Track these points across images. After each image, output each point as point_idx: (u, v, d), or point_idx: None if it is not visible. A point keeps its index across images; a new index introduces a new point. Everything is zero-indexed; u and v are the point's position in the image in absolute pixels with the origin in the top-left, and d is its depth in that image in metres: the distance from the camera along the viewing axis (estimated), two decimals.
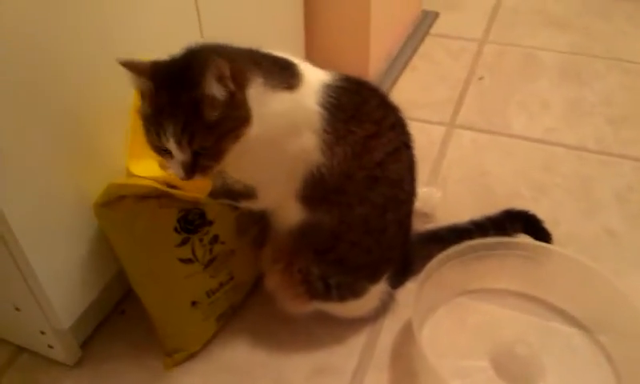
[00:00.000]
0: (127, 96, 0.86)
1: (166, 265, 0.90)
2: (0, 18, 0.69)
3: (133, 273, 0.93)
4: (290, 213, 0.88)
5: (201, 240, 0.91)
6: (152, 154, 0.78)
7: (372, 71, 1.60)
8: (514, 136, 1.43)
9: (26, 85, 0.75)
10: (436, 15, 1.96)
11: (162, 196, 0.86)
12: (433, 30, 1.89)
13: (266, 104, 0.76)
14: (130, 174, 0.88)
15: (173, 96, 0.70)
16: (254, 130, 0.76)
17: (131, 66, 0.72)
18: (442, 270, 1.00)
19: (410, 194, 0.94)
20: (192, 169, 0.74)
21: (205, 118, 0.70)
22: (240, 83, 0.73)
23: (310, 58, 1.56)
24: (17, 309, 0.92)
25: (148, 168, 0.86)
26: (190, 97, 0.69)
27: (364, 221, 0.88)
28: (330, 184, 0.83)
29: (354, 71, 1.53)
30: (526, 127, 1.46)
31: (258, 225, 0.98)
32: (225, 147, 0.74)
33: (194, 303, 0.95)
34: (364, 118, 0.84)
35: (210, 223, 0.91)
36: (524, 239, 1.08)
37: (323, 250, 0.90)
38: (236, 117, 0.73)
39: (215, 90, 0.70)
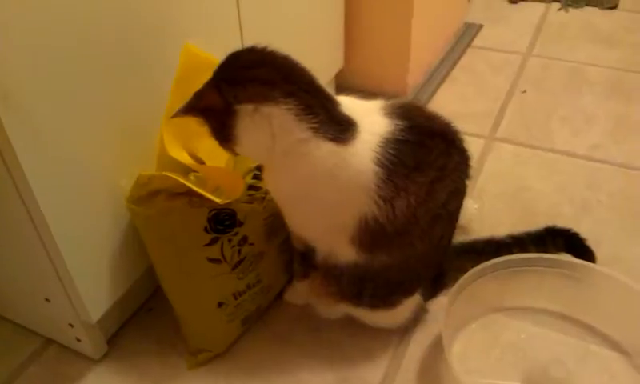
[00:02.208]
0: (163, 90, 0.87)
1: (194, 264, 0.90)
2: (49, 11, 0.71)
3: (161, 270, 0.93)
4: (342, 254, 0.85)
5: (230, 240, 0.90)
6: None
7: (410, 82, 1.58)
8: (556, 151, 1.39)
9: (65, 75, 0.76)
10: (479, 27, 1.93)
11: (193, 194, 0.86)
12: (475, 43, 1.85)
13: (306, 152, 0.75)
14: (162, 150, 0.88)
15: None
16: (294, 174, 0.78)
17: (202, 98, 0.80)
18: (476, 283, 0.96)
19: (458, 215, 0.91)
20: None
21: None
22: (251, 98, 0.75)
23: (348, 66, 1.56)
24: (47, 300, 0.93)
25: (181, 152, 0.87)
26: None
27: (422, 254, 0.86)
28: (390, 231, 0.79)
29: (393, 82, 1.55)
30: (569, 143, 1.41)
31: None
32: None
33: (220, 304, 0.94)
34: (427, 167, 0.79)
35: (240, 224, 0.90)
36: (565, 256, 1.03)
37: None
38: (224, 126, 0.78)
39: (215, 101, 0.76)
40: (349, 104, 0.79)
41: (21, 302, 1.01)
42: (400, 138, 0.78)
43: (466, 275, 0.95)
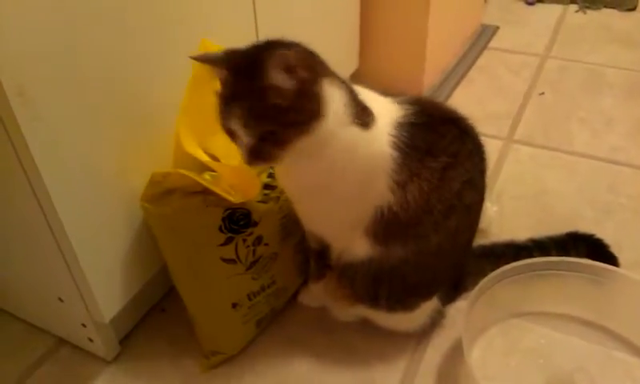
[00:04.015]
0: (178, 87, 0.86)
1: (208, 264, 0.88)
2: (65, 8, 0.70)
3: (175, 270, 0.92)
4: (356, 248, 0.84)
5: (244, 240, 0.88)
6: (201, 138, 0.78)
7: (426, 83, 1.56)
8: (576, 154, 1.36)
9: (79, 72, 0.75)
10: (496, 29, 1.91)
11: (208, 193, 0.85)
12: (492, 44, 1.83)
13: (335, 134, 0.73)
14: (178, 147, 0.87)
15: (243, 82, 0.70)
16: (316, 163, 0.74)
17: (206, 60, 0.74)
18: (496, 288, 0.93)
19: (478, 215, 0.89)
20: (255, 154, 0.72)
21: (270, 103, 0.69)
22: (314, 75, 0.71)
23: (364, 66, 1.55)
24: (60, 299, 0.92)
25: (197, 149, 0.86)
26: (257, 83, 0.69)
27: (438, 248, 0.83)
28: (405, 220, 0.79)
29: (408, 82, 1.53)
30: (589, 145, 1.38)
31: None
32: (290, 137, 0.71)
33: (234, 305, 0.93)
34: (440, 153, 0.80)
35: (255, 224, 0.89)
36: (587, 260, 1.00)
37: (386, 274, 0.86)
38: (306, 109, 0.71)
39: (281, 80, 0.68)
40: (359, 91, 0.80)
41: (33, 301, 1.00)
42: (412, 121, 0.79)
43: (486, 279, 0.93)
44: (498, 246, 1.04)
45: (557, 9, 2.02)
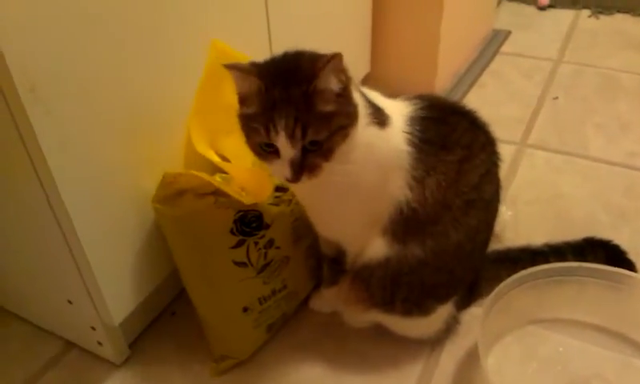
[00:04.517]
0: (188, 87, 0.85)
1: (219, 266, 0.87)
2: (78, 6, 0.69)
3: (186, 272, 0.91)
4: (373, 249, 0.83)
5: (256, 243, 0.87)
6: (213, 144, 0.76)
7: (439, 87, 1.55)
8: (591, 158, 1.34)
9: (91, 71, 0.74)
10: (508, 34, 1.89)
11: (220, 194, 0.83)
12: (504, 49, 1.82)
13: (359, 136, 0.72)
14: (189, 147, 0.85)
15: (285, 91, 0.67)
16: (341, 168, 0.72)
17: (239, 68, 0.69)
18: (513, 294, 0.91)
19: (496, 212, 0.88)
20: (300, 167, 0.69)
21: (317, 110, 0.67)
22: (348, 80, 0.71)
23: (375, 70, 1.54)
24: (69, 302, 0.91)
25: (208, 149, 0.85)
26: (302, 90, 0.66)
27: (457, 246, 0.82)
28: (423, 217, 0.79)
29: (420, 86, 1.52)
30: (604, 150, 1.36)
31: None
32: (335, 144, 0.69)
33: (245, 309, 0.91)
34: (454, 145, 0.81)
35: (267, 226, 0.87)
36: (606, 266, 0.98)
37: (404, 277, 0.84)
38: (347, 112, 0.70)
39: (331, 82, 0.67)
40: (367, 92, 0.80)
41: (42, 303, 0.99)
42: (422, 115, 0.80)
43: (502, 284, 0.91)
44: (513, 250, 1.02)
45: (569, 14, 2.01)
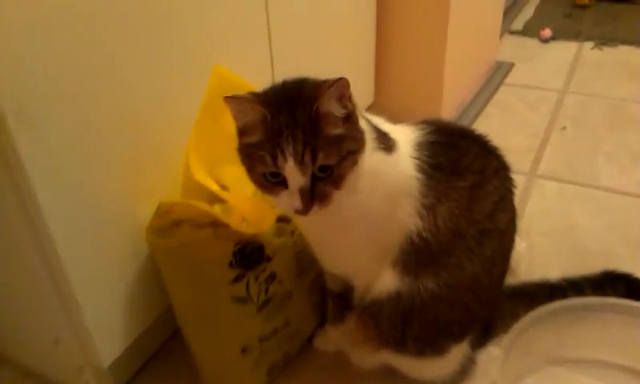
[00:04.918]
0: (186, 113, 0.81)
1: (217, 303, 0.81)
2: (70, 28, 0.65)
3: (181, 309, 0.85)
4: (382, 282, 0.77)
5: (256, 277, 0.81)
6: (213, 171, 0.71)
7: (443, 117, 1.51)
8: (604, 189, 1.29)
9: (82, 93, 0.70)
10: (511, 66, 1.88)
11: (219, 225, 0.78)
12: (508, 80, 1.80)
13: (363, 161, 0.68)
14: (187, 176, 0.81)
15: (291, 116, 0.63)
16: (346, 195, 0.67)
17: (239, 98, 0.65)
18: (532, 332, 0.85)
19: (512, 242, 0.83)
20: (311, 197, 0.64)
21: (325, 134, 0.63)
22: (354, 107, 0.67)
23: (379, 100, 1.50)
24: (56, 341, 0.85)
25: (207, 178, 0.79)
26: (307, 114, 0.63)
27: (473, 279, 0.77)
28: (436, 247, 0.74)
29: (425, 117, 1.48)
30: (617, 180, 1.32)
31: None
32: (345, 171, 0.65)
33: (244, 350, 0.85)
34: (465, 171, 0.77)
35: (269, 259, 0.82)
36: (630, 301, 0.92)
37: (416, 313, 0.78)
38: (355, 137, 0.66)
39: (335, 106, 0.63)
40: (370, 117, 0.77)
41: (27, 342, 0.93)
42: (430, 139, 0.77)
43: (521, 322, 0.85)
44: (529, 285, 0.97)
45: (572, 46, 2.00)
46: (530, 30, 2.11)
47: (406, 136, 0.77)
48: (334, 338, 0.92)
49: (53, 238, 0.70)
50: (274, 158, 0.63)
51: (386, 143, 0.73)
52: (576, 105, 1.64)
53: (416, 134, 0.78)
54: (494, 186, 0.78)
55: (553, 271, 0.99)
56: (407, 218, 0.74)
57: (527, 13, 2.28)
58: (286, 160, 0.62)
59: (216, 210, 0.82)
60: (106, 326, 0.82)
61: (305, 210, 0.64)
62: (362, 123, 0.70)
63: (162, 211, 0.79)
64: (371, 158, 0.70)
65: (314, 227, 0.76)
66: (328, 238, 0.77)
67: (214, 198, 0.83)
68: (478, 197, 0.76)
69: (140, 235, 0.80)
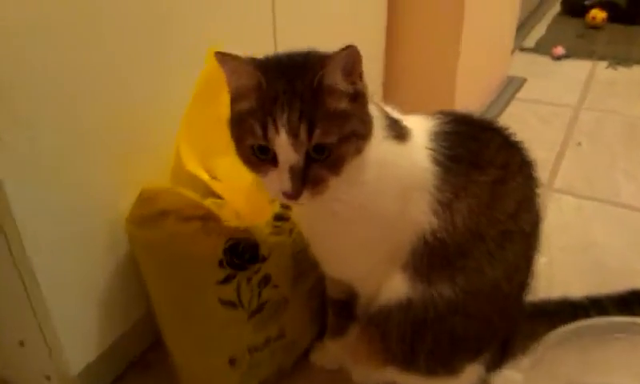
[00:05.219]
0: (176, 96, 0.74)
1: (203, 306, 0.73)
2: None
3: (163, 312, 0.76)
4: (391, 288, 0.68)
5: (249, 280, 0.73)
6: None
7: None
8: (624, 206, 1.23)
9: (59, 64, 0.63)
10: (523, 81, 1.82)
11: (209, 218, 0.70)
12: (520, 95, 1.75)
13: (372, 150, 0.61)
14: (177, 164, 0.73)
15: (288, 84, 0.55)
16: (352, 189, 0.60)
17: (234, 58, 0.57)
18: (554, 354, 0.77)
19: (535, 248, 0.74)
20: (302, 179, 0.56)
21: (327, 107, 0.56)
22: (365, 87, 0.59)
23: None
24: (21, 343, 0.76)
25: (199, 168, 0.71)
26: (309, 83, 0.55)
27: (494, 286, 0.68)
28: (452, 248, 0.66)
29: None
30: (637, 197, 1.25)
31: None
32: (345, 154, 0.57)
33: (232, 361, 0.76)
34: (486, 164, 0.68)
35: (263, 259, 0.73)
36: None
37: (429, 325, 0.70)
38: (362, 118, 0.58)
39: (339, 80, 0.56)
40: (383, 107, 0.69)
41: None
42: (448, 129, 0.69)
43: (542, 343, 0.77)
44: (550, 303, 0.89)
45: (586, 64, 1.95)
46: (541, 48, 2.06)
47: (420, 125, 0.69)
48: (334, 352, 0.83)
49: (19, 227, 0.63)
50: (265, 128, 0.55)
51: (399, 131, 0.65)
52: (591, 121, 1.58)
53: (431, 123, 0.70)
54: (518, 183, 0.70)
55: (573, 288, 0.91)
56: (420, 214, 0.65)
57: (539, 31, 2.24)
58: (277, 131, 0.54)
59: (208, 203, 0.74)
60: (77, 328, 0.74)
61: (294, 193, 0.56)
62: (372, 109, 0.62)
63: (144, 198, 0.71)
64: (381, 146, 0.62)
65: (313, 223, 0.68)
66: (329, 235, 0.68)
67: (206, 192, 0.76)
68: (500, 194, 0.68)
69: (119, 226, 0.72)
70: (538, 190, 0.74)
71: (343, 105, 0.56)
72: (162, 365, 0.83)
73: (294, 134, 0.54)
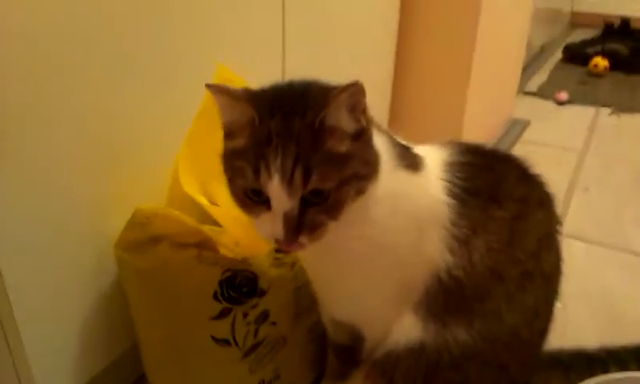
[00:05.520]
0: (175, 111, 0.71)
1: (194, 342, 0.66)
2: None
3: (149, 347, 0.70)
4: (402, 330, 0.63)
5: (245, 315, 0.67)
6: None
7: None
8: (635, 253, 1.17)
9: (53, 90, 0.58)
10: (527, 123, 1.81)
11: (205, 246, 0.64)
12: (524, 137, 1.72)
13: (385, 176, 0.56)
14: (174, 186, 0.68)
15: (284, 123, 0.51)
16: (360, 227, 0.55)
17: (225, 92, 0.53)
18: None
19: (556, 291, 0.69)
20: (298, 226, 0.51)
21: (326, 149, 0.51)
22: (369, 122, 0.54)
23: None
24: None
25: (198, 192, 0.66)
26: (308, 123, 0.50)
27: (513, 333, 0.63)
28: (469, 288, 0.61)
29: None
30: None
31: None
32: (345, 198, 0.52)
33: None
34: (505, 198, 0.64)
35: (262, 294, 0.68)
36: None
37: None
38: (365, 159, 0.54)
39: (342, 119, 0.51)
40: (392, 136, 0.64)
41: None
42: (463, 159, 0.65)
43: None
44: (564, 353, 0.83)
45: (589, 110, 1.94)
46: (544, 93, 2.06)
47: (432, 155, 0.64)
48: None
49: None
50: (257, 173, 0.50)
51: (411, 160, 0.61)
52: (597, 166, 1.55)
53: (445, 153, 0.65)
54: (539, 220, 0.65)
55: (589, 337, 0.86)
56: (435, 251, 0.60)
57: (541, 77, 2.24)
58: (270, 176, 0.49)
59: (205, 230, 0.69)
60: (53, 360, 0.67)
61: (288, 241, 0.51)
62: (379, 139, 0.57)
63: (137, 222, 0.65)
64: (391, 177, 0.57)
65: (317, 259, 0.62)
66: (334, 273, 0.62)
67: (205, 219, 0.70)
68: (520, 230, 0.63)
69: (106, 249, 0.66)
70: (559, 227, 0.69)
71: (345, 146, 0.51)
72: None
73: (288, 180, 0.49)
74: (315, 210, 0.51)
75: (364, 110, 0.52)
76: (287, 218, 0.50)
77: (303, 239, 0.51)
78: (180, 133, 0.71)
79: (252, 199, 0.52)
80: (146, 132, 0.70)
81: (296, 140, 0.49)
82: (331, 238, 0.54)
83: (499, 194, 0.64)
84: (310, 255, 0.62)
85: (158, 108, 0.71)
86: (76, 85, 0.61)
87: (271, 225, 0.51)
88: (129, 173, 0.69)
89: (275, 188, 0.49)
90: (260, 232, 0.54)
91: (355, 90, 0.49)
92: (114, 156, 0.67)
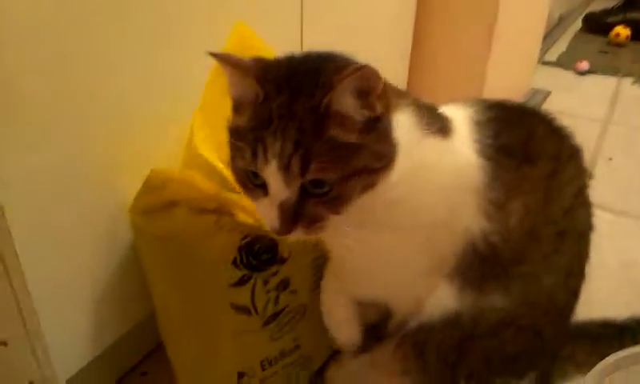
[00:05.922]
0: (194, 71, 0.66)
1: (213, 311, 0.64)
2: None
3: (166, 315, 0.68)
4: (435, 302, 0.60)
5: (265, 282, 0.65)
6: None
7: None
8: None
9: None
10: (547, 93, 1.77)
11: (224, 212, 0.62)
12: (545, 107, 1.67)
13: (410, 153, 0.53)
14: (190, 148, 0.65)
15: (288, 102, 0.47)
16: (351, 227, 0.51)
17: (233, 63, 0.49)
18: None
19: (588, 249, 0.67)
20: (294, 216, 0.48)
21: (329, 137, 0.47)
22: (387, 107, 0.50)
23: None
24: (3, 343, 0.67)
25: (214, 155, 0.63)
26: (314, 105, 0.47)
27: (550, 295, 0.61)
28: (507, 254, 0.58)
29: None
30: None
31: None
32: (350, 193, 0.49)
33: (241, 375, 0.68)
34: (537, 156, 0.61)
35: (282, 261, 0.65)
36: None
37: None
38: (379, 152, 0.50)
39: (349, 106, 0.47)
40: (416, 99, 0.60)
41: None
42: (490, 116, 0.61)
43: (593, 372, 0.67)
44: (591, 324, 0.81)
45: (610, 80, 1.90)
46: (564, 62, 2.00)
47: (459, 114, 0.61)
48: (353, 371, 0.74)
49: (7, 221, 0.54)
50: (254, 155, 0.47)
51: (440, 124, 0.57)
52: (620, 136, 1.52)
53: (470, 110, 0.62)
54: (571, 175, 0.63)
55: (614, 309, 0.83)
56: (470, 220, 0.57)
57: (560, 47, 2.18)
58: (267, 161, 0.47)
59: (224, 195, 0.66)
60: (68, 329, 0.66)
61: (283, 230, 0.49)
62: (402, 117, 0.53)
63: (152, 185, 0.63)
64: (419, 147, 0.54)
65: (342, 246, 0.58)
66: (359, 253, 0.58)
67: (221, 182, 0.67)
68: (554, 188, 0.61)
69: (120, 213, 0.64)
70: (589, 182, 0.66)
71: (353, 136, 0.47)
72: (161, 375, 0.75)
73: (284, 167, 0.46)
74: (315, 202, 0.48)
75: (380, 96, 0.48)
76: (283, 208, 0.48)
77: (299, 231, 0.49)
78: (195, 92, 0.67)
79: (252, 181, 0.49)
80: (160, 90, 0.67)
81: (298, 124, 0.46)
82: (354, 223, 0.51)
83: (531, 151, 0.61)
84: (332, 238, 0.58)
85: (173, 67, 0.68)
86: (90, 42, 0.58)
87: (268, 211, 0.49)
88: (141, 132, 0.66)
89: (272, 174, 0.47)
90: (260, 214, 0.52)
91: (362, 74, 0.45)
92: (125, 114, 0.64)
